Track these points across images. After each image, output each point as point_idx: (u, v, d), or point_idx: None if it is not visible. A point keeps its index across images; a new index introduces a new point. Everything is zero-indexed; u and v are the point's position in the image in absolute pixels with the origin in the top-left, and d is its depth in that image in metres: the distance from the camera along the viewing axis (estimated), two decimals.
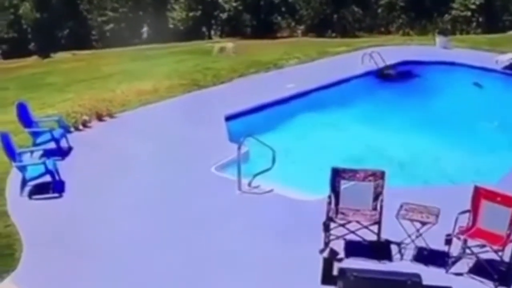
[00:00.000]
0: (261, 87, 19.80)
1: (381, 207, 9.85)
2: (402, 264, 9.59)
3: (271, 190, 12.24)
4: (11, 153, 12.32)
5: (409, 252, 9.88)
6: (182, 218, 11.32)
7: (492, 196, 9.36)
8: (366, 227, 9.95)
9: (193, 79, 20.42)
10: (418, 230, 9.69)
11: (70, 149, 14.27)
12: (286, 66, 22.38)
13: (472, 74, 20.93)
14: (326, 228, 9.90)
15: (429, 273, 8.95)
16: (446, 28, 33.19)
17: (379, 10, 38.07)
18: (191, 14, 40.50)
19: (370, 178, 10.10)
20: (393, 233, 9.93)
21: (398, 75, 21.18)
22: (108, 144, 14.88)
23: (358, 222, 9.95)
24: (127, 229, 10.92)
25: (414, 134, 15.97)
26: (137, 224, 11.09)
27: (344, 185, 10.20)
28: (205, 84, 19.98)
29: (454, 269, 9.46)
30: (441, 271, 9.43)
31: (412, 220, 9.67)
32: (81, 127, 15.75)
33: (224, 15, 40.20)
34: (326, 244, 9.95)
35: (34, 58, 37.08)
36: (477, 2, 35.02)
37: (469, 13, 35.37)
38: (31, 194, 12.23)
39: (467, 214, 9.48)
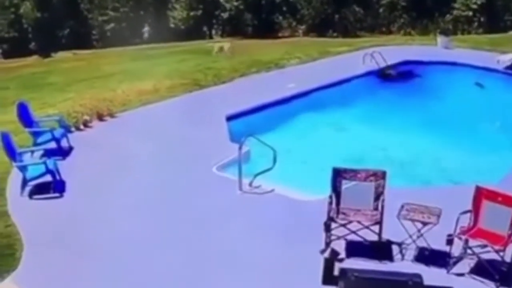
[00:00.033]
0: (262, 87, 19.78)
1: (382, 207, 9.85)
2: (403, 264, 9.58)
3: (272, 190, 12.23)
4: (12, 153, 12.31)
5: (410, 252, 9.87)
6: (182, 218, 11.31)
7: (493, 196, 9.35)
8: (367, 227, 9.93)
9: (194, 79, 20.40)
10: (419, 230, 9.66)
11: (70, 149, 14.26)
12: (287, 66, 22.36)
13: (474, 74, 20.88)
14: (327, 228, 9.89)
15: (430, 274, 8.95)
16: (447, 28, 33.13)
17: (381, 10, 37.99)
18: (192, 13, 40.44)
19: (371, 178, 10.08)
20: (394, 233, 9.91)
21: (399, 75, 21.15)
22: (109, 144, 14.87)
23: (359, 222, 9.94)
24: (128, 229, 10.91)
25: (415, 134, 15.96)
26: (138, 224, 11.07)
27: (345, 185, 10.19)
28: (206, 84, 19.96)
29: (455, 269, 9.45)
30: (442, 271, 9.42)
31: (413, 220, 9.65)
32: (82, 126, 15.73)
33: (225, 15, 40.15)
34: (327, 244, 9.94)
35: (34, 58, 37.05)
36: (479, 2, 34.95)
37: (470, 13, 35.31)
38: (31, 194, 12.22)
39: (468, 214, 9.47)
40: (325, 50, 24.88)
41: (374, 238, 9.96)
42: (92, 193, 12.30)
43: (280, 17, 39.69)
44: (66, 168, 12.96)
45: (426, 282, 8.39)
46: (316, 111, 17.49)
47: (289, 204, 11.71)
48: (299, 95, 18.66)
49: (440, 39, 25.27)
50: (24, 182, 12.22)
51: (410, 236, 9.78)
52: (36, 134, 13.99)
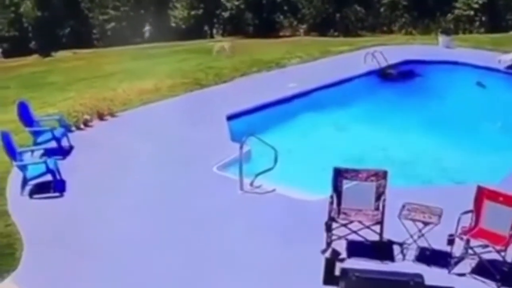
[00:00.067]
0: (263, 86, 19.76)
1: (383, 207, 9.83)
2: (404, 264, 9.56)
3: (273, 190, 12.20)
4: (12, 152, 12.29)
5: (411, 253, 9.85)
6: (183, 218, 11.29)
7: (494, 196, 9.33)
8: (368, 227, 9.91)
9: (195, 78, 20.39)
10: (420, 230, 9.64)
11: (71, 148, 14.25)
12: (288, 65, 22.34)
13: (475, 74, 20.84)
14: (328, 228, 9.87)
15: (431, 274, 8.94)
16: (449, 27, 33.06)
17: (382, 9, 37.96)
18: (193, 12, 40.43)
19: (373, 178, 10.06)
20: (395, 233, 9.89)
21: (401, 74, 21.12)
22: (109, 143, 14.86)
23: (360, 222, 9.92)
24: (129, 229, 10.89)
25: (416, 134, 15.94)
26: (139, 224, 11.06)
27: (346, 185, 10.17)
28: (207, 83, 19.95)
29: (456, 269, 9.43)
30: (444, 271, 9.40)
31: (414, 220, 9.62)
32: (82, 126, 15.72)
33: (226, 14, 40.13)
34: (328, 244, 9.92)
35: (35, 57, 37.09)
36: (480, 2, 34.88)
37: (472, 13, 35.26)
38: (31, 193, 12.21)
39: (469, 214, 9.45)
40: (326, 50, 24.87)
41: (375, 238, 9.94)
42: (92, 193, 12.28)
43: (281, 16, 39.65)
44: (66, 167, 12.95)
45: (427, 282, 8.38)
46: (317, 111, 17.45)
47: (290, 204, 11.69)
48: (300, 95, 18.64)
49: (442, 38, 25.22)
50: (24, 182, 12.20)
51: (411, 236, 9.76)
52: (36, 134, 13.98)
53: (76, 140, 14.61)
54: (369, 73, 20.93)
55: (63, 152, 13.91)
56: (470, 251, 9.48)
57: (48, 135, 13.84)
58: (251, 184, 12.31)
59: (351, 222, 9.97)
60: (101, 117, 16.31)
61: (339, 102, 18.26)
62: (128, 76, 21.62)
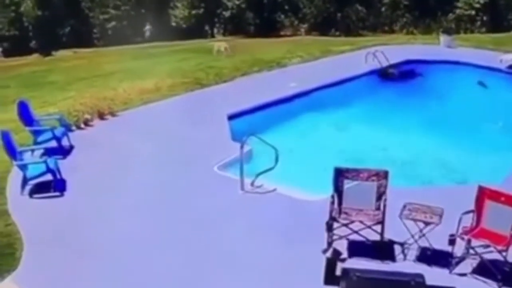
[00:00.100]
0: (263, 86, 19.75)
1: (384, 207, 9.80)
2: (405, 264, 9.53)
3: (274, 190, 12.17)
4: (12, 152, 12.26)
5: (412, 252, 9.82)
6: (184, 218, 11.26)
7: (496, 196, 9.30)
8: (369, 227, 9.88)
9: (195, 78, 20.39)
10: (421, 230, 9.61)
11: (71, 147, 14.23)
12: (289, 65, 22.34)
13: (476, 74, 20.84)
14: (329, 228, 9.85)
15: (432, 274, 8.92)
16: (450, 27, 33.10)
17: (383, 9, 37.99)
18: (193, 12, 40.46)
19: (374, 177, 10.04)
20: (396, 233, 9.86)
21: (402, 74, 21.10)
22: (110, 143, 14.84)
23: (361, 222, 9.89)
24: (129, 228, 10.87)
25: (417, 134, 15.91)
26: (140, 224, 11.03)
27: (347, 184, 10.14)
28: (208, 83, 19.95)
29: (457, 269, 9.40)
30: (445, 271, 9.36)
31: (415, 220, 9.59)
32: (82, 125, 15.71)
33: (227, 13, 40.18)
34: (329, 244, 9.89)
35: (35, 56, 37.13)
36: (482, 1, 34.90)
37: (473, 12, 35.28)
38: (32, 193, 12.19)
39: (471, 214, 9.42)
40: (327, 49, 24.87)
41: (376, 238, 9.92)
42: (93, 192, 12.26)
43: (282, 16, 39.70)
44: (66, 167, 12.92)
45: (428, 282, 8.37)
46: (318, 111, 17.43)
47: (291, 204, 11.66)
48: (301, 94, 18.63)
49: (443, 38, 25.22)
50: (25, 181, 12.18)
51: (412, 236, 9.73)
52: (36, 133, 13.96)
53: (77, 139, 14.59)
54: (370, 73, 20.92)
55: (64, 151, 13.89)
56: (471, 251, 9.44)
57: (48, 135, 13.83)
58: (252, 184, 12.28)
59: (352, 222, 9.94)
60: (101, 116, 16.30)
61: (340, 102, 18.23)
62: (129, 75, 21.61)
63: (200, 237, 10.60)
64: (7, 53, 39.45)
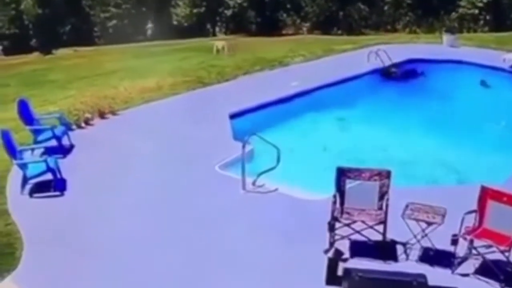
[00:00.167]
0: (265, 85, 19.73)
1: (387, 206, 9.75)
2: (408, 264, 9.48)
3: (275, 189, 12.13)
4: (12, 151, 12.22)
5: (415, 253, 9.77)
6: (185, 217, 11.23)
7: (498, 196, 9.26)
8: (371, 227, 9.84)
9: (197, 77, 20.37)
10: (423, 230, 9.57)
11: (71, 146, 14.20)
12: (291, 64, 22.34)
13: (479, 73, 20.81)
14: (331, 227, 9.81)
15: (434, 274, 8.89)
16: (453, 26, 33.04)
17: (386, 8, 37.92)
18: (195, 10, 40.45)
19: (376, 177, 9.99)
20: (399, 233, 9.82)
21: (404, 73, 21.06)
22: (110, 142, 14.81)
23: (363, 222, 9.85)
24: (130, 228, 10.83)
25: (420, 134, 15.88)
26: (140, 223, 10.99)
27: (349, 184, 10.10)
28: (210, 82, 19.94)
29: (460, 269, 9.35)
30: (447, 271, 9.32)
31: (417, 220, 9.55)
32: (83, 124, 15.67)
33: (228, 12, 40.15)
34: (331, 244, 9.85)
35: (35, 55, 37.15)
36: (485, 0, 34.85)
37: (476, 11, 35.23)
38: (32, 192, 12.14)
39: (473, 214, 9.37)
40: (330, 48, 24.86)
41: (379, 238, 9.87)
42: (93, 192, 12.23)
43: (284, 15, 39.67)
44: (67, 166, 12.88)
45: (431, 282, 8.35)
46: (320, 110, 17.41)
47: (293, 204, 11.62)
48: (303, 93, 18.59)
49: (446, 37, 25.21)
50: (25, 180, 12.14)
51: (415, 236, 9.68)
52: (36, 132, 13.94)
53: (77, 138, 14.56)
54: (373, 72, 20.88)
55: (64, 150, 13.84)
56: (473, 251, 9.40)
57: (48, 134, 13.80)
58: (253, 183, 12.23)
59: (354, 221, 9.90)
60: (102, 115, 16.26)
61: (342, 101, 18.21)
62: (130, 74, 21.60)
63: (201, 236, 10.56)
64: (7, 52, 39.45)
